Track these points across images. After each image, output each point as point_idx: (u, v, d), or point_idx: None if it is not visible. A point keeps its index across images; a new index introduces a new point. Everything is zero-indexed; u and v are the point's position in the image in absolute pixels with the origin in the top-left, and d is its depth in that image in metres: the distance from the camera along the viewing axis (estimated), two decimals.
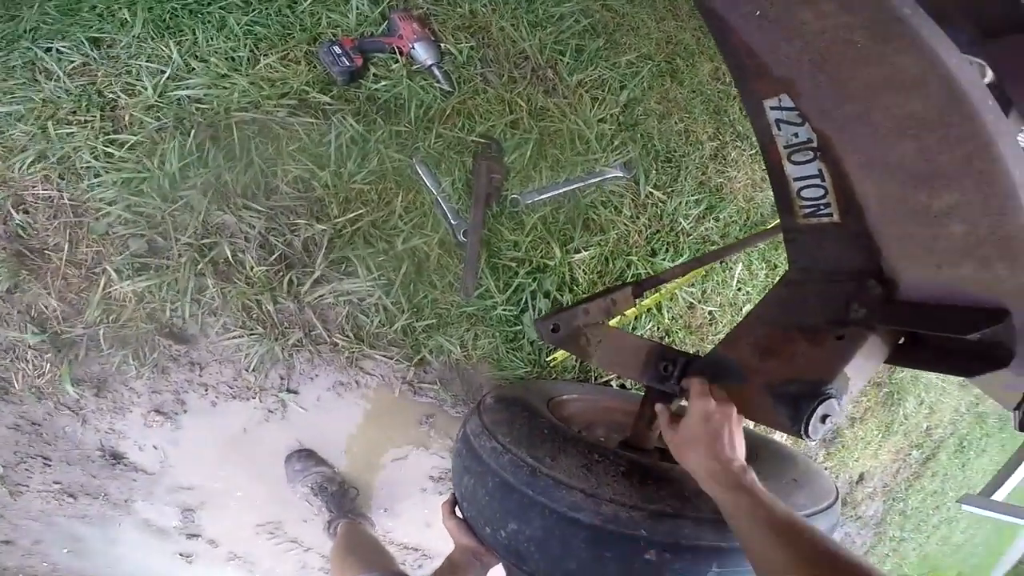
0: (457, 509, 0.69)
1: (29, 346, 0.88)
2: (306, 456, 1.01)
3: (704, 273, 1.25)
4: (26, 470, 0.94)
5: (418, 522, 1.16)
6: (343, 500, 1.02)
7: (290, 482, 1.01)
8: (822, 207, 0.51)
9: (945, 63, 0.32)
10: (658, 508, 0.51)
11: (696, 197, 1.22)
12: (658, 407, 0.57)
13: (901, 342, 0.49)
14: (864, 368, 0.47)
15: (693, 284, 1.25)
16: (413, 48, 1.04)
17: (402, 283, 0.97)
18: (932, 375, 1.78)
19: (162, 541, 1.05)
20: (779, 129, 0.50)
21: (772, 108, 0.49)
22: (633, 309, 1.04)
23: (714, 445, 0.46)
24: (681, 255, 1.20)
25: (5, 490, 0.93)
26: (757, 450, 0.72)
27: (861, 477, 1.75)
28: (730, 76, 1.33)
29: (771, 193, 1.32)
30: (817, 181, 0.50)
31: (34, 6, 0.92)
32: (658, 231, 1.20)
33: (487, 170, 1.05)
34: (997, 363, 0.40)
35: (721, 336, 1.23)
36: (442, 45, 1.07)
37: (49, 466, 0.95)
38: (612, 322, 1.02)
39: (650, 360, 0.61)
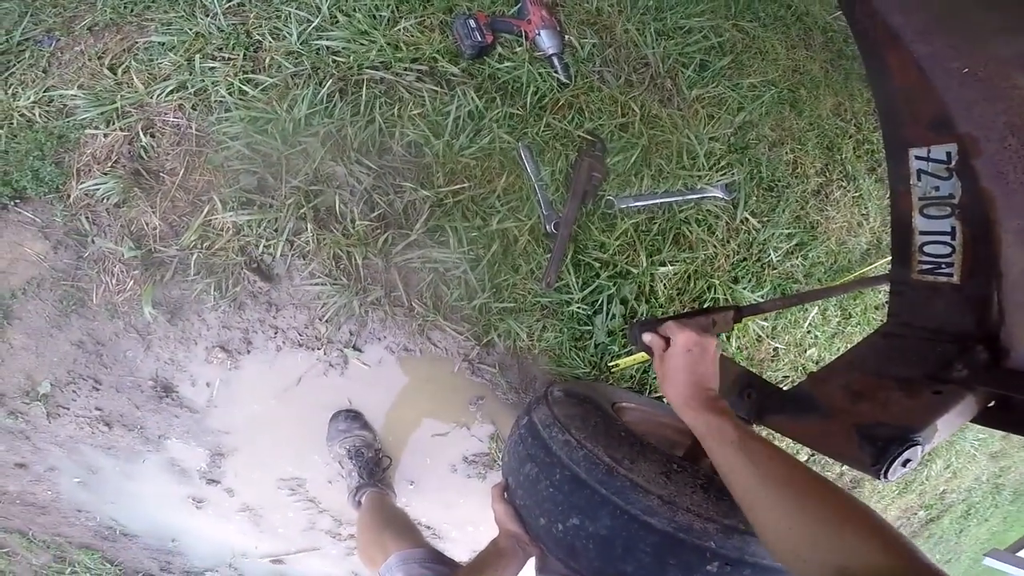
0: (506, 495, 0.78)
1: (121, 259, 1.06)
2: (352, 417, 1.17)
3: (779, 309, 1.40)
4: (74, 391, 1.11)
5: (440, 501, 1.30)
6: (375, 468, 1.17)
7: (329, 440, 1.17)
8: (943, 266, 0.60)
9: None
10: (731, 523, 0.61)
11: (789, 231, 1.36)
12: (649, 338, 0.64)
13: (991, 404, 0.58)
14: (953, 423, 0.56)
15: (766, 319, 1.39)
16: (539, 34, 1.21)
17: (488, 262, 1.13)
18: (969, 442, 1.93)
19: (179, 484, 1.22)
20: (919, 179, 0.59)
21: (918, 157, 0.58)
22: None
23: (690, 373, 0.58)
24: (763, 287, 1.34)
25: (44, 410, 1.11)
26: None
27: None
28: (858, 119, 1.51)
29: (863, 240, 1.46)
30: (947, 239, 0.59)
31: None
32: (745, 259, 1.34)
33: (588, 167, 1.21)
34: None
35: (782, 372, 1.37)
36: (566, 36, 1.25)
37: (98, 390, 1.12)
38: None
39: (735, 384, 0.72)
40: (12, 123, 1.04)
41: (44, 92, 1.04)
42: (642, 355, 1.19)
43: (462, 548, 1.38)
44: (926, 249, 0.62)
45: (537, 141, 1.18)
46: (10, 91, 1.05)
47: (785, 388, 0.77)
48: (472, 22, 1.15)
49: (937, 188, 0.58)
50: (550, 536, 0.69)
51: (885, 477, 0.55)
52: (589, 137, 1.21)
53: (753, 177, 1.30)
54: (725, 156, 1.28)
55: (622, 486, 0.63)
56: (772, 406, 0.70)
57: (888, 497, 1.87)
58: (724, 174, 1.26)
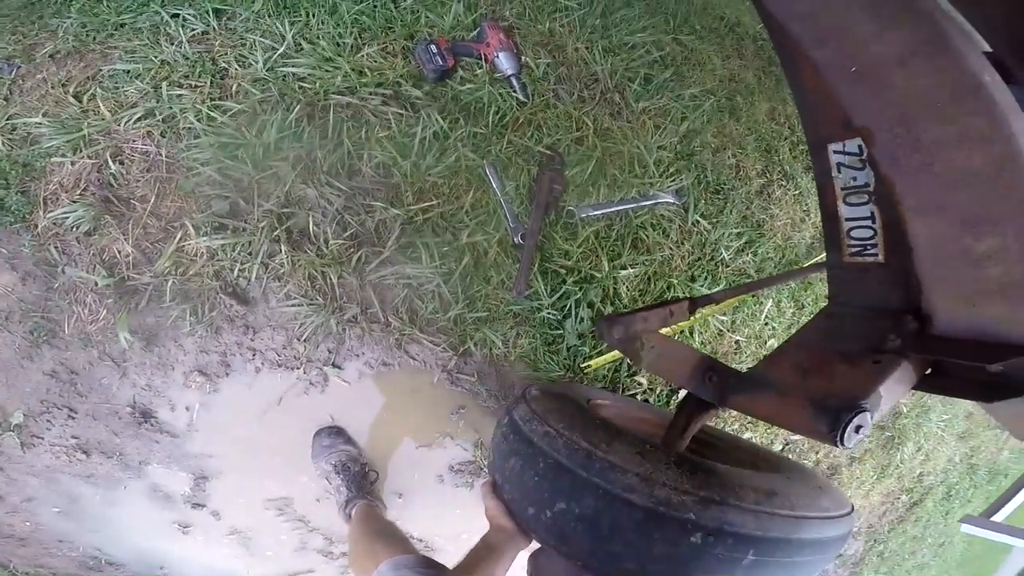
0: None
1: (94, 288, 1.11)
2: (335, 433, 1.25)
3: (736, 304, 1.58)
4: (48, 421, 1.15)
5: (430, 512, 1.39)
6: (363, 482, 1.24)
7: (314, 457, 1.24)
8: (869, 247, 0.70)
9: (1011, 125, 0.45)
10: (707, 495, 0.68)
11: (738, 230, 1.55)
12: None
13: (928, 372, 0.66)
14: (895, 390, 0.63)
15: (725, 314, 1.57)
16: (497, 57, 1.35)
17: (460, 275, 1.24)
18: (935, 424, 2.15)
19: (163, 509, 1.26)
20: (839, 172, 0.69)
21: (835, 152, 0.68)
22: (670, 328, 1.36)
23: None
24: (718, 284, 1.51)
25: (17, 441, 1.15)
26: (782, 466, 0.96)
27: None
28: (791, 121, 1.73)
29: (807, 235, 1.68)
30: (868, 223, 0.69)
31: None
32: (699, 259, 1.52)
33: (549, 180, 1.35)
34: (1014, 392, 0.57)
35: (745, 364, 1.53)
36: (522, 57, 1.39)
37: (73, 419, 1.16)
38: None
39: (697, 370, 0.82)
40: None
41: (7, 120, 1.10)
42: (612, 355, 1.33)
43: (454, 559, 1.49)
44: (852, 234, 0.72)
45: (501, 158, 1.31)
46: None
47: (743, 371, 0.92)
48: (434, 47, 1.28)
49: (855, 178, 0.69)
50: (540, 524, 0.77)
51: (843, 444, 0.62)
52: (548, 152, 1.36)
53: (700, 182, 1.49)
54: (673, 163, 1.45)
55: (601, 467, 0.72)
56: (733, 388, 0.79)
57: (868, 483, 2.01)
58: (674, 180, 1.44)
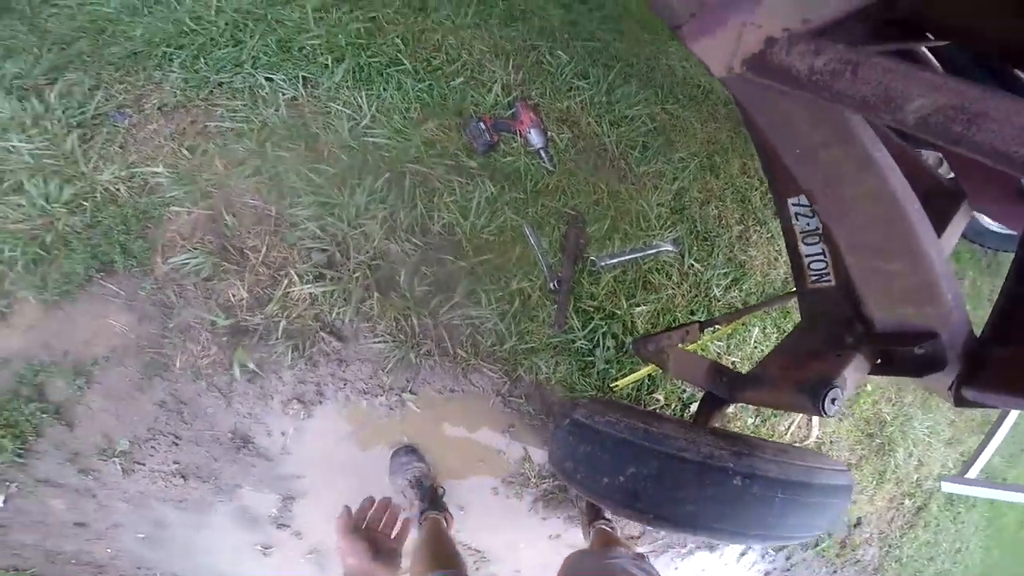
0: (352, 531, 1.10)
1: (210, 327, 1.62)
2: (410, 451, 1.75)
3: (729, 332, 2.34)
4: (152, 448, 1.59)
5: (487, 524, 1.90)
6: (434, 496, 1.72)
7: (392, 474, 1.73)
8: (824, 276, 1.20)
9: (892, 184, 0.85)
10: (737, 449, 1.13)
11: (725, 271, 2.27)
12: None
13: (879, 361, 1.11)
14: (855, 374, 1.06)
15: (720, 340, 2.33)
16: (529, 132, 2.03)
17: (512, 315, 1.88)
18: (920, 431, 2.84)
19: (248, 531, 1.70)
20: (797, 220, 1.19)
21: (793, 204, 1.18)
22: (694, 345, 2.07)
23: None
24: (712, 315, 2.28)
25: (119, 467, 1.59)
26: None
27: (858, 521, 2.69)
28: (759, 174, 2.61)
29: (781, 271, 2.56)
30: (821, 257, 1.19)
31: (255, 37, 1.80)
32: (696, 296, 2.24)
33: (575, 236, 2.03)
34: (937, 367, 0.98)
35: None
36: (548, 132, 2.13)
37: (177, 445, 1.62)
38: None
39: (710, 373, 1.39)
40: (96, 197, 1.57)
41: (127, 168, 1.59)
42: (635, 376, 1.99)
43: (509, 568, 1.98)
44: (811, 266, 1.23)
45: (536, 218, 1.96)
46: (91, 164, 1.59)
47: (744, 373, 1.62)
48: (482, 125, 1.95)
49: (808, 224, 1.20)
50: (615, 488, 1.20)
51: (824, 411, 1.03)
52: (573, 212, 2.05)
53: (692, 231, 2.24)
54: (669, 217, 2.19)
55: (658, 436, 1.21)
56: (739, 385, 1.34)
57: (869, 488, 2.66)
58: (670, 231, 2.17)
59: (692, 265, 2.17)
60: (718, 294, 2.19)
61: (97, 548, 1.63)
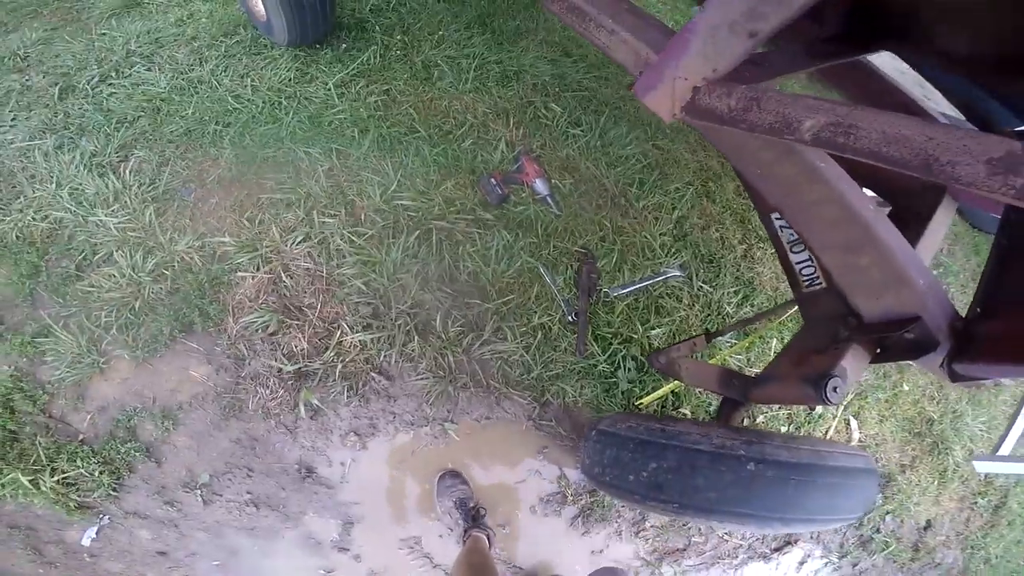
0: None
1: (277, 374, 2.31)
2: (454, 475, 2.28)
3: (748, 345, 3.07)
4: (229, 479, 2.15)
5: (529, 542, 2.41)
6: (477, 515, 2.24)
7: (439, 496, 2.25)
8: (815, 280, 1.69)
9: (840, 188, 1.30)
10: (748, 438, 1.50)
11: (735, 289, 2.88)
12: None
13: (879, 351, 1.42)
14: (855, 363, 1.37)
15: (741, 353, 3.04)
16: (534, 183, 2.79)
17: (536, 347, 2.61)
18: (975, 427, 3.31)
19: (313, 555, 2.21)
20: (782, 232, 1.75)
21: (776, 219, 1.74)
22: (715, 359, 2.82)
23: None
24: (726, 333, 3.03)
25: (200, 499, 2.16)
26: None
27: (928, 524, 3.10)
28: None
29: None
30: (809, 263, 1.69)
31: (290, 113, 2.57)
32: (708, 315, 2.88)
33: (587, 271, 2.76)
34: (929, 347, 1.31)
35: None
36: (552, 180, 2.95)
37: (251, 476, 2.17)
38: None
39: (722, 378, 1.90)
40: (175, 266, 2.21)
41: (198, 238, 2.28)
42: (659, 393, 2.66)
43: None
44: (803, 272, 1.69)
45: (550, 259, 2.66)
46: (167, 236, 2.25)
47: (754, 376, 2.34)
48: (493, 180, 2.72)
49: (792, 235, 1.70)
50: (640, 484, 1.59)
51: (827, 399, 1.30)
52: (583, 250, 2.81)
53: (696, 255, 2.93)
54: (673, 245, 2.88)
55: (674, 433, 1.59)
56: (750, 387, 1.75)
57: (931, 489, 3.09)
58: (675, 257, 2.86)
59: (701, 287, 2.88)
60: (730, 311, 2.89)
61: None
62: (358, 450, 2.33)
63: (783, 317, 2.94)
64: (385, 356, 2.32)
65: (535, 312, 2.52)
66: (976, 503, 3.36)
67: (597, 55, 3.40)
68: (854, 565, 2.98)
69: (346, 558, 2.34)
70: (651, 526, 2.62)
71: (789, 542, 2.86)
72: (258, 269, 2.33)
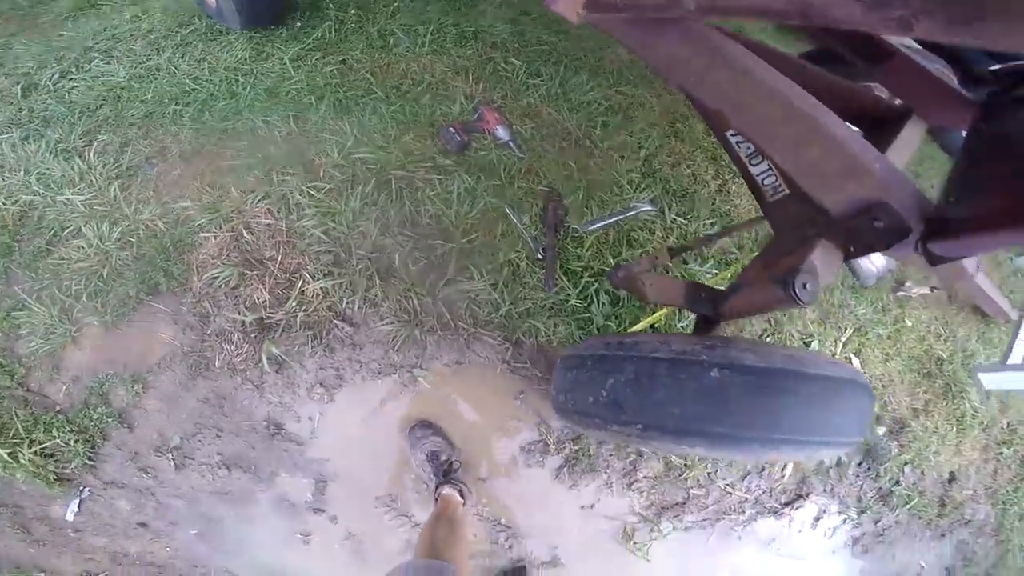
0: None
1: (240, 327, 2.35)
2: (425, 425, 2.34)
3: (731, 276, 2.99)
4: (199, 441, 2.26)
5: (511, 494, 2.42)
6: (449, 469, 2.27)
7: (411, 448, 2.31)
8: (778, 188, 1.71)
9: (774, 83, 1.38)
10: (711, 343, 1.38)
11: (711, 220, 2.90)
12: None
13: (851, 249, 1.39)
14: (824, 259, 1.35)
15: (722, 285, 2.98)
16: (496, 130, 2.88)
17: (503, 283, 2.59)
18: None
19: (289, 518, 2.31)
20: (739, 146, 1.79)
21: (732, 135, 1.78)
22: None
23: None
24: (707, 262, 2.94)
25: (172, 463, 2.27)
26: None
27: (953, 476, 2.98)
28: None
29: None
30: (769, 171, 1.72)
31: (247, 88, 2.75)
32: (685, 245, 2.98)
33: (553, 208, 2.78)
34: (902, 233, 1.26)
35: (760, 327, 2.85)
36: (513, 126, 2.96)
37: (220, 437, 2.28)
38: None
39: (689, 292, 1.90)
40: (140, 233, 2.37)
41: (161, 206, 2.43)
42: (638, 327, 2.66)
43: (543, 544, 2.46)
44: (765, 182, 1.74)
45: (515, 199, 2.76)
46: (132, 207, 2.42)
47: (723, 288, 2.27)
48: (452, 129, 2.77)
49: (749, 147, 1.75)
50: (599, 405, 1.49)
51: (798, 297, 1.29)
52: (548, 189, 2.84)
53: (668, 190, 2.94)
54: (642, 181, 2.91)
55: (631, 344, 1.64)
56: (720, 300, 1.75)
57: (950, 436, 2.96)
58: (646, 192, 2.90)
59: (675, 219, 2.87)
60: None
61: (157, 548, 2.28)
62: (325, 403, 2.39)
63: (750, 229, 2.80)
64: (348, 303, 2.36)
65: (501, 250, 2.61)
66: (1001, 453, 3.20)
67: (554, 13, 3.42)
68: (876, 521, 2.85)
69: (322, 520, 2.39)
70: (644, 477, 2.55)
71: (800, 495, 2.73)
72: (220, 228, 2.47)
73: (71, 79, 2.97)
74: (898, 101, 1.91)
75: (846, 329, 2.99)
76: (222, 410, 2.33)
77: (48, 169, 2.63)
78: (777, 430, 1.36)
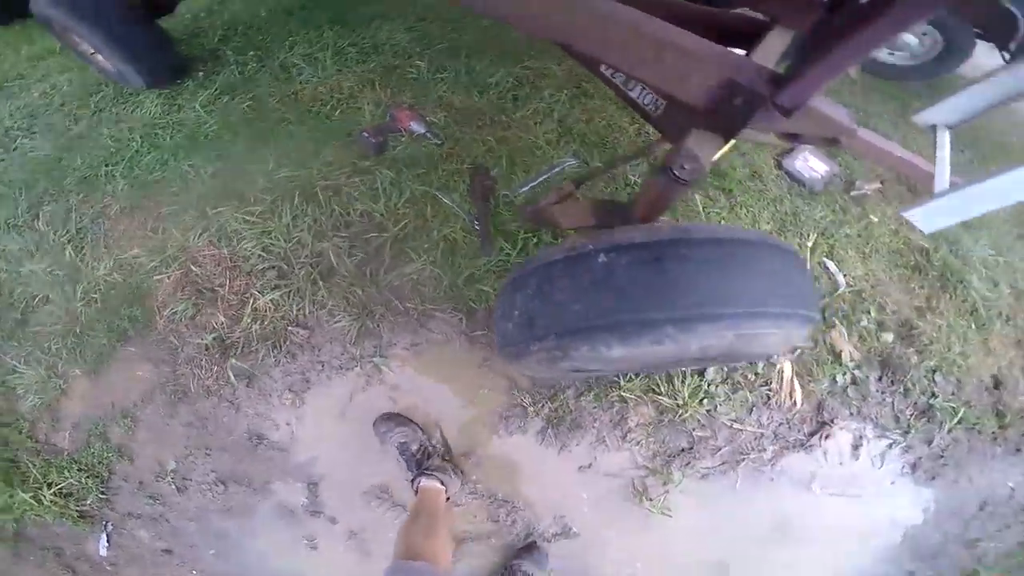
0: None
1: (205, 350, 2.68)
2: (387, 418, 2.59)
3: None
4: (192, 462, 2.59)
5: (502, 466, 2.66)
6: (424, 460, 2.50)
7: (382, 444, 2.57)
8: (657, 103, 2.02)
9: (613, 11, 1.69)
10: (596, 233, 1.56)
11: (637, 162, 3.43)
12: None
13: (726, 129, 1.66)
14: (700, 142, 1.62)
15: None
16: (411, 125, 3.32)
17: (442, 257, 2.90)
18: (982, 252, 3.34)
19: (292, 526, 2.58)
20: (613, 76, 2.10)
21: (604, 68, 2.10)
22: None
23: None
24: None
25: (174, 486, 2.59)
26: None
27: (997, 381, 3.01)
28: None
29: None
30: (645, 92, 2.02)
31: (168, 139, 3.27)
32: (616, 187, 3.30)
33: (480, 179, 3.15)
34: (760, 102, 1.53)
35: None
36: (427, 118, 3.42)
37: (209, 455, 2.59)
38: None
39: (596, 209, 2.27)
40: (100, 288, 2.76)
41: (114, 259, 2.83)
42: None
43: (547, 512, 2.68)
44: (644, 101, 2.05)
45: (441, 182, 3.14)
46: (88, 266, 2.83)
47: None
48: (367, 134, 3.18)
49: (621, 76, 2.03)
50: (518, 329, 1.62)
51: (679, 178, 1.64)
52: (471, 166, 3.27)
53: (586, 143, 3.27)
54: (560, 140, 3.20)
55: (528, 260, 1.71)
56: (628, 209, 1.98)
57: (971, 335, 3.02)
58: (566, 149, 3.30)
59: (599, 165, 3.29)
60: (637, 180, 3.25)
61: (184, 573, 2.63)
62: (298, 407, 2.73)
63: (655, 154, 3.05)
64: (299, 309, 2.75)
65: (435, 229, 2.96)
66: None
67: (452, 12, 3.94)
68: (928, 442, 2.88)
69: (322, 522, 2.71)
70: (636, 425, 2.69)
71: (823, 422, 2.79)
72: (169, 268, 2.88)
73: (2, 160, 3.50)
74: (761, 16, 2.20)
75: (809, 235, 3.20)
76: (206, 430, 2.67)
77: (5, 246, 3.09)
78: (681, 305, 1.41)
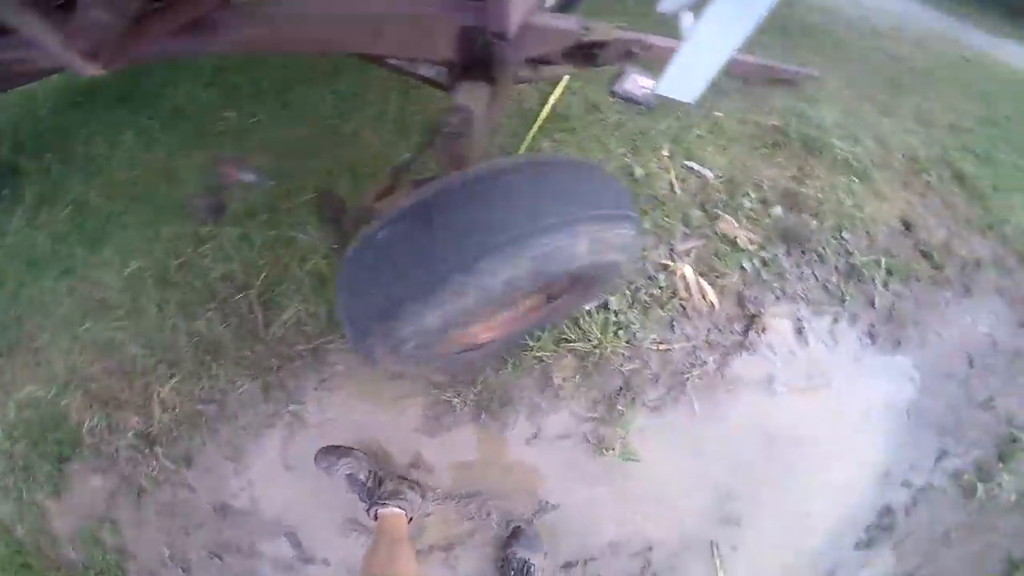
0: None
1: (136, 449, 2.88)
2: (326, 452, 2.75)
3: None
4: (180, 545, 2.83)
5: (451, 464, 2.87)
6: (375, 488, 2.67)
7: (329, 477, 2.72)
8: (440, 72, 2.54)
9: (366, 10, 1.84)
10: (373, 218, 1.68)
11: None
12: None
13: (492, 74, 1.84)
14: (468, 92, 1.79)
15: None
16: (239, 177, 3.51)
17: (314, 292, 3.01)
18: (835, 117, 3.81)
19: None
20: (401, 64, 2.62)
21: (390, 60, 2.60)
22: None
23: None
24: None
25: (179, 569, 2.81)
26: None
27: (907, 225, 3.29)
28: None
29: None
30: (428, 67, 2.58)
31: (12, 269, 3.43)
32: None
33: (328, 205, 3.48)
34: (500, 36, 1.76)
35: None
36: (254, 164, 3.63)
37: (190, 535, 2.81)
38: None
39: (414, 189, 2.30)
40: (19, 427, 3.10)
41: (15, 402, 3.08)
42: None
43: (514, 497, 2.88)
44: (434, 74, 2.60)
45: (293, 223, 3.21)
46: None
47: None
48: (198, 200, 3.27)
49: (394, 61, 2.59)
50: (355, 333, 1.75)
51: (449, 123, 1.73)
52: (317, 193, 3.50)
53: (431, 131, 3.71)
54: (399, 140, 3.43)
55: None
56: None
57: (856, 188, 3.33)
58: (405, 145, 3.49)
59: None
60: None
61: None
62: (243, 473, 2.96)
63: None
64: (200, 388, 2.96)
65: (296, 268, 3.19)
66: (928, 183, 3.62)
67: (249, 56, 4.17)
68: (871, 304, 3.06)
69: (318, 567, 2.93)
70: (563, 380, 2.85)
71: (753, 315, 2.96)
72: (66, 392, 3.13)
73: None
74: None
75: (661, 146, 3.55)
76: (175, 516, 2.92)
77: None
78: (455, 251, 1.55)
